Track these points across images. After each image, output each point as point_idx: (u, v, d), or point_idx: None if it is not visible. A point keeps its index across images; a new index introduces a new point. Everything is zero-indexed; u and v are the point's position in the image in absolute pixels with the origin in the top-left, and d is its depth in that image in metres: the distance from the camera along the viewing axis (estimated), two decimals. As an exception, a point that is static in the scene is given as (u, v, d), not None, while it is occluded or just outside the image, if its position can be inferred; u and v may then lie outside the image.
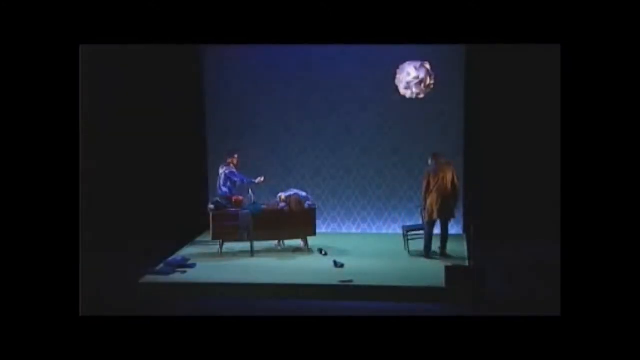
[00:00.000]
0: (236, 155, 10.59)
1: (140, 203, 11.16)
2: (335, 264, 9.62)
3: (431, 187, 9.71)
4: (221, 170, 10.49)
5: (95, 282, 8.53)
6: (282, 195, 10.49)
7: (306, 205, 10.45)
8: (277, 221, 10.35)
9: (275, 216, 10.34)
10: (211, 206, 10.35)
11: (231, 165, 10.51)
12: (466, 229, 10.77)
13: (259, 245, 10.39)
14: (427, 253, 9.80)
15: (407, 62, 9.05)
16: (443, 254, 9.83)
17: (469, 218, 10.92)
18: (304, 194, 10.54)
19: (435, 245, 9.90)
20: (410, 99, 9.28)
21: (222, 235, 10.28)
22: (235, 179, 10.47)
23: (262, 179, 10.56)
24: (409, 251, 10.01)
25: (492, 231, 10.30)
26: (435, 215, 9.78)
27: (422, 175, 9.97)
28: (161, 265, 9.65)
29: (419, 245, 10.01)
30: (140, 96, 11.15)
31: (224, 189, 10.44)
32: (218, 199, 10.47)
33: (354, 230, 11.63)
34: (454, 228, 11.53)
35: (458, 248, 10.17)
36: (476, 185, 11.07)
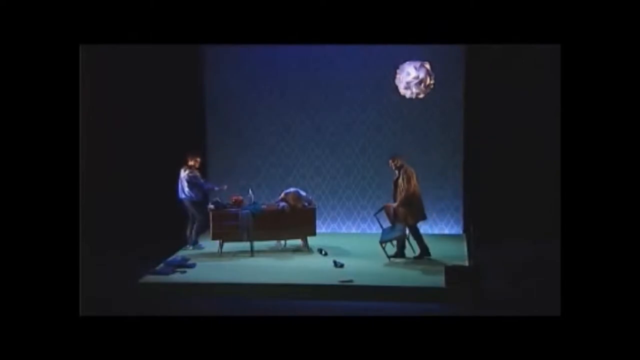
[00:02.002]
0: (198, 159, 10.49)
1: (141, 203, 11.16)
2: (335, 264, 9.61)
3: (417, 189, 9.70)
4: (183, 174, 10.36)
5: (95, 282, 8.53)
6: (283, 193, 10.51)
7: (305, 205, 10.45)
8: (277, 221, 10.35)
9: (275, 216, 10.34)
10: (211, 206, 10.34)
11: (193, 168, 10.38)
12: (466, 229, 10.78)
13: (259, 245, 10.39)
14: (428, 252, 9.80)
15: (407, 62, 9.06)
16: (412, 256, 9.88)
17: (469, 218, 10.94)
18: (303, 193, 10.55)
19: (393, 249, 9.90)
20: (410, 99, 9.27)
21: (222, 235, 10.28)
22: (199, 184, 10.36)
23: (225, 187, 10.56)
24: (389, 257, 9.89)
25: (492, 231, 10.30)
26: (422, 217, 9.82)
27: (404, 168, 9.80)
28: (161, 265, 9.65)
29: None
30: (140, 96, 11.15)
31: (190, 194, 10.32)
32: (218, 199, 10.48)
33: (354, 230, 11.63)
34: (454, 228, 11.56)
35: (458, 248, 10.19)
36: (476, 185, 11.07)
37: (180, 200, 10.43)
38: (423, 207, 9.83)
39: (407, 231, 9.86)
